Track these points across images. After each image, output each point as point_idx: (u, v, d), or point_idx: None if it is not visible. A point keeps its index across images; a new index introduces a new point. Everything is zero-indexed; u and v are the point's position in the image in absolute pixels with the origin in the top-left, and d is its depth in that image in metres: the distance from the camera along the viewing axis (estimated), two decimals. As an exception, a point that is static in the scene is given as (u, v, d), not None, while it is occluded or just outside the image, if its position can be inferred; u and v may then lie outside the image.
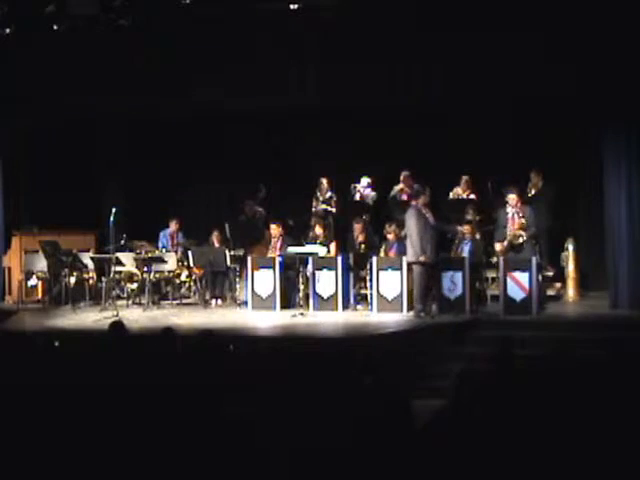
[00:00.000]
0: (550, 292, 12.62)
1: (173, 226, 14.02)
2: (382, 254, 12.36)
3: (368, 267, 12.22)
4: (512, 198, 11.57)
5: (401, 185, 13.24)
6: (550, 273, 12.53)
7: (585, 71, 11.11)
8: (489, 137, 13.19)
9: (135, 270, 13.28)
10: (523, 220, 11.42)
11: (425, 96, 12.22)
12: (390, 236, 12.40)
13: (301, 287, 12.44)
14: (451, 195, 13.47)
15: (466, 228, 12.36)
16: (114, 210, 12.25)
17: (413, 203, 11.76)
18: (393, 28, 11.77)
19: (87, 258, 13.32)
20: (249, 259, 12.71)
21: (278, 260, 12.49)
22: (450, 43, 11.62)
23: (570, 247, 12.59)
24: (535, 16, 11.14)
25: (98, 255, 13.48)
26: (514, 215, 11.54)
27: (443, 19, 11.57)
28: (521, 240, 11.36)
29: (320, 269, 12.26)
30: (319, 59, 12.24)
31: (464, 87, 11.93)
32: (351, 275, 12.55)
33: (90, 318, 11.84)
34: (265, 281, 12.51)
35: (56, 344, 8.08)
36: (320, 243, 12.65)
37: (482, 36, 11.46)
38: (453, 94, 12.14)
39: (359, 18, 11.94)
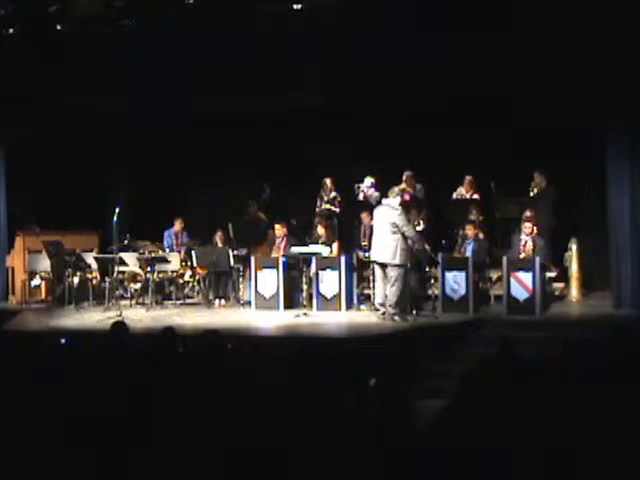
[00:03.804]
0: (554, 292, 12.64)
1: (178, 225, 14.04)
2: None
3: (372, 267, 12.22)
4: (527, 227, 11.84)
5: (403, 185, 13.23)
6: (553, 273, 12.52)
7: (586, 71, 11.09)
8: (492, 137, 13.17)
9: (138, 270, 13.29)
10: (532, 249, 11.70)
11: (427, 96, 12.20)
12: None
13: (304, 287, 12.45)
14: (454, 195, 13.48)
15: (469, 228, 12.36)
16: (117, 210, 12.25)
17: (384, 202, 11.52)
18: (394, 28, 11.76)
19: (90, 258, 13.34)
20: (252, 259, 12.72)
21: (281, 260, 12.49)
22: (451, 43, 11.60)
23: (573, 247, 12.58)
24: (535, 16, 11.13)
25: (101, 255, 13.50)
26: (526, 243, 11.76)
27: (444, 19, 11.56)
28: None
29: (323, 269, 12.26)
30: (321, 59, 12.24)
31: (466, 87, 11.92)
32: (354, 275, 12.55)
33: (93, 318, 11.86)
34: (268, 281, 12.51)
35: (62, 341, 8.10)
36: (323, 243, 12.65)
37: (483, 36, 11.44)
38: (455, 94, 12.13)
39: (360, 18, 11.94)
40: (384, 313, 11.19)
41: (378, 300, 11.38)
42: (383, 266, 11.21)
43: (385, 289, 11.26)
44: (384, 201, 11.45)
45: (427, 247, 11.81)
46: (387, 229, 11.15)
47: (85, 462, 4.42)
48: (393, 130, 13.60)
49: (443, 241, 12.25)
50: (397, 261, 11.09)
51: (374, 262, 11.43)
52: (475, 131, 13.22)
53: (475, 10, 11.40)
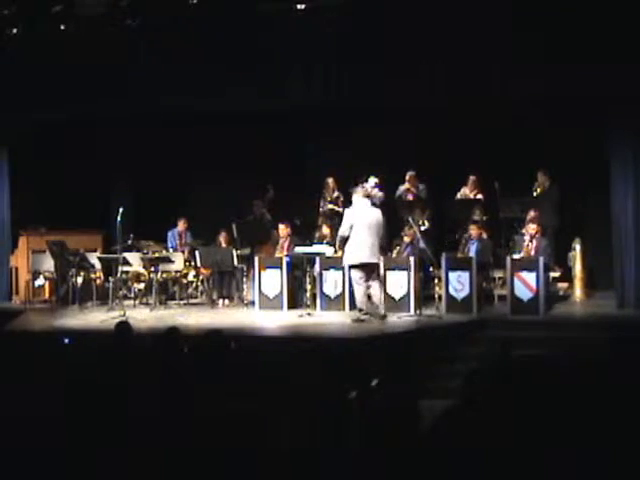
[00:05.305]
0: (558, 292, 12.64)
1: (181, 225, 14.04)
2: (395, 254, 12.38)
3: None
4: (532, 228, 11.87)
5: (407, 185, 13.24)
6: (557, 273, 12.51)
7: (588, 70, 11.06)
8: (495, 137, 13.17)
9: (142, 270, 13.30)
10: (533, 250, 11.76)
11: (430, 96, 12.18)
12: (407, 238, 12.41)
13: (308, 287, 12.45)
14: (459, 195, 13.46)
15: (473, 228, 12.36)
16: (121, 210, 12.26)
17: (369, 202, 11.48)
18: (395, 28, 11.75)
19: (94, 258, 13.35)
20: (256, 259, 12.72)
21: (285, 260, 12.49)
22: (451, 43, 11.58)
23: (577, 247, 12.58)
24: (535, 16, 11.11)
25: (105, 255, 13.51)
26: (531, 241, 11.82)
27: (443, 19, 11.54)
28: None
29: (327, 269, 12.26)
30: (323, 59, 12.24)
31: (469, 87, 11.89)
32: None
33: (97, 318, 11.85)
34: (272, 281, 12.51)
35: (66, 341, 8.10)
36: (327, 243, 12.65)
37: (483, 36, 11.42)
38: (459, 94, 12.10)
39: (361, 18, 11.93)
40: (363, 312, 11.16)
41: (361, 304, 11.24)
42: (369, 268, 11.18)
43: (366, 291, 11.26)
44: (362, 202, 11.27)
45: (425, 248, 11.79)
46: (375, 230, 11.13)
47: (84, 461, 4.42)
48: (396, 130, 13.57)
49: (440, 248, 12.18)
50: (381, 260, 11.39)
51: (361, 265, 11.15)
52: (478, 131, 13.22)
53: (475, 10, 11.39)
